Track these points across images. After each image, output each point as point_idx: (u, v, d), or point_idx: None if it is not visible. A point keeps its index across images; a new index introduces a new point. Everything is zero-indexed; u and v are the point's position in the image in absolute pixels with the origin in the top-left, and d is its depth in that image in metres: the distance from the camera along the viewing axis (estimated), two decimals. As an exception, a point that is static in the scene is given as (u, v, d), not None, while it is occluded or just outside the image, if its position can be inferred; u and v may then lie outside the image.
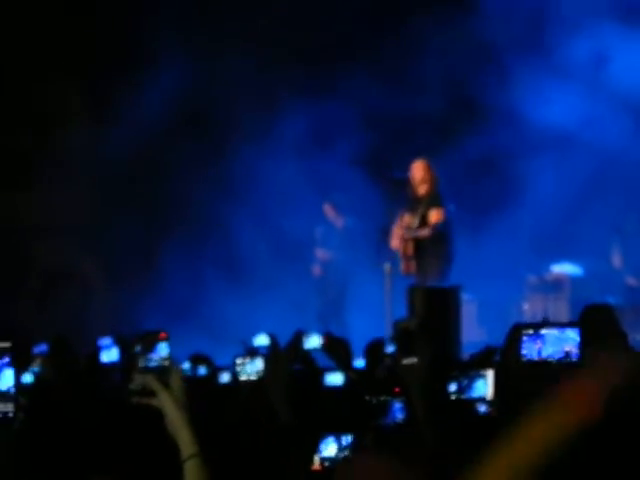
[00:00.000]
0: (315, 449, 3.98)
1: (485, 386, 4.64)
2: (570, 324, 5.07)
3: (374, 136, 12.13)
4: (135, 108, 12.29)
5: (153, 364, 2.84)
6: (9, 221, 12.39)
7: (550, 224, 11.64)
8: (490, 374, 4.65)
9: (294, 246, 12.32)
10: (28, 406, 2.94)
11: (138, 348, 2.84)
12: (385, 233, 10.20)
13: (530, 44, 12.05)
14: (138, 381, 2.77)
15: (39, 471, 3.48)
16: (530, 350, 4.84)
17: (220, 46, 12.68)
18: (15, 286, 12.73)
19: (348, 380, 5.39)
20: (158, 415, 2.76)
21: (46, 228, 12.62)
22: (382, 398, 4.24)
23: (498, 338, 5.75)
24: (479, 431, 4.25)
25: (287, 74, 12.45)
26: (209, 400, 5.29)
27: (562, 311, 11.03)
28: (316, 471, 3.97)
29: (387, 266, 10.14)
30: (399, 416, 4.29)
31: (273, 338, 7.31)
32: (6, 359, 2.95)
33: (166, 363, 2.85)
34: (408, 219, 10.03)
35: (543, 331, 4.86)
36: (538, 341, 4.85)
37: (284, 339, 7.22)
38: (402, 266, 10.05)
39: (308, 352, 6.78)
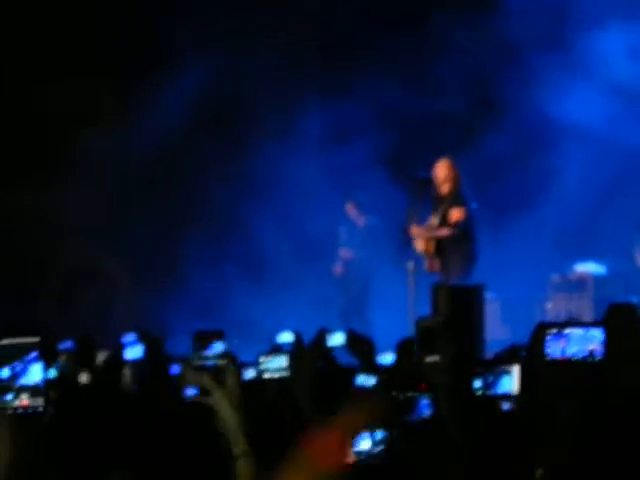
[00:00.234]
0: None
1: (511, 382, 4.64)
2: (595, 323, 5.08)
3: (396, 135, 12.12)
4: (157, 107, 12.32)
5: (209, 363, 2.83)
6: (32, 221, 12.44)
7: (573, 223, 11.60)
8: (516, 370, 4.65)
9: (316, 245, 12.33)
10: (57, 401, 2.96)
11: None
12: (406, 232, 10.20)
13: (552, 41, 12.01)
14: (193, 380, 2.77)
15: (66, 465, 3.50)
16: (554, 349, 4.84)
17: (243, 45, 12.70)
18: (37, 286, 12.78)
19: (379, 381, 5.39)
20: (188, 414, 2.77)
21: (69, 228, 12.66)
22: (409, 394, 4.25)
23: (522, 337, 5.75)
24: (502, 428, 4.26)
25: (310, 72, 12.47)
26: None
27: (585, 310, 10.99)
28: (350, 465, 4.01)
29: (410, 264, 10.15)
30: (426, 412, 4.30)
31: (297, 335, 7.33)
32: (34, 354, 2.96)
33: (221, 362, 2.85)
34: (432, 218, 10.04)
35: (567, 330, 4.87)
36: (562, 340, 4.86)
37: (307, 337, 7.23)
38: (426, 264, 10.06)
39: (330, 350, 6.79)
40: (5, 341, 2.95)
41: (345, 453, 2.17)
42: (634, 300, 9.36)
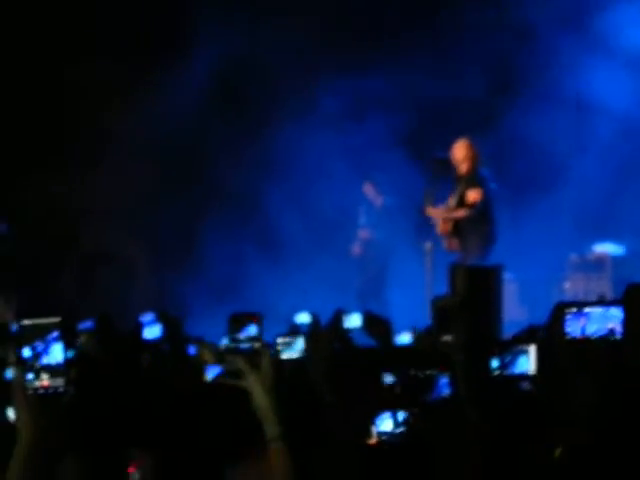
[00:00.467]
0: (370, 424, 4.02)
1: (528, 362, 4.64)
2: (614, 302, 5.07)
3: (415, 115, 12.10)
4: (176, 88, 12.33)
5: (244, 346, 2.83)
6: (53, 204, 12.48)
7: (592, 203, 11.58)
8: (533, 350, 4.65)
9: (334, 225, 12.33)
10: (77, 380, 2.98)
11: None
12: (423, 213, 10.19)
13: (571, 22, 11.95)
14: (230, 362, 2.78)
15: (86, 444, 3.52)
16: (574, 327, 4.84)
17: (260, 22, 12.67)
18: (57, 268, 12.83)
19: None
20: (211, 394, 2.78)
21: (88, 211, 12.70)
22: (428, 372, 4.26)
23: (540, 317, 5.75)
24: (520, 408, 4.27)
25: (329, 52, 12.43)
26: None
27: (604, 290, 10.96)
28: (373, 445, 4.03)
29: (428, 244, 10.15)
30: (445, 391, 4.31)
31: (315, 317, 7.33)
32: (55, 334, 2.98)
33: (256, 345, 2.85)
34: (450, 199, 10.03)
35: (587, 309, 4.87)
36: (582, 319, 4.86)
37: (325, 318, 7.24)
38: (445, 243, 10.06)
39: (347, 331, 6.79)
40: (27, 321, 2.97)
41: None
42: (652, 280, 9.32)
